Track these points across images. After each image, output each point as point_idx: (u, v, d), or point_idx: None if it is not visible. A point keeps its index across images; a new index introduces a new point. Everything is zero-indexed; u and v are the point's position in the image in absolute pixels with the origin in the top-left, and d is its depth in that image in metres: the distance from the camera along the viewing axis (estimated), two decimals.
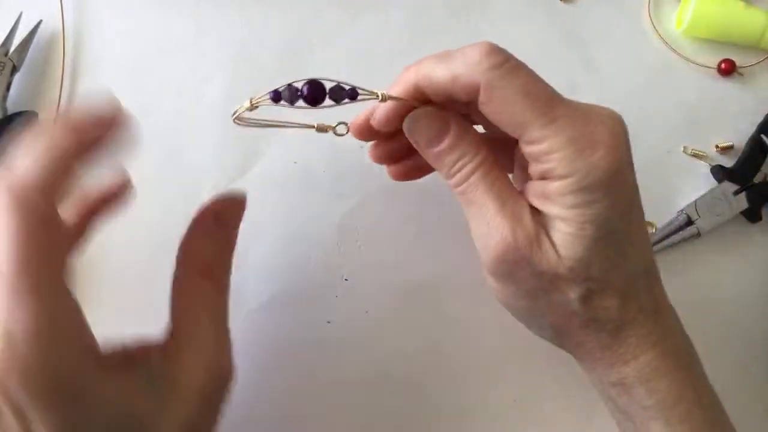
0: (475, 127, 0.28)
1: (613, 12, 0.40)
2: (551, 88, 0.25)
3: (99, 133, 0.23)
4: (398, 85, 0.27)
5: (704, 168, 0.37)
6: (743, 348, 0.34)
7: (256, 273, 0.35)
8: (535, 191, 0.25)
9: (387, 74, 0.38)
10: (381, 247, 0.35)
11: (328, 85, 0.25)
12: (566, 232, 0.24)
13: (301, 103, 0.25)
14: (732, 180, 0.36)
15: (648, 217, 0.36)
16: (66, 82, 0.38)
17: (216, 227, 0.26)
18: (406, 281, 0.35)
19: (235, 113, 0.25)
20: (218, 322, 0.25)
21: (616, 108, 0.39)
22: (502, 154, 0.28)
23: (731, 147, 0.37)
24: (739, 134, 0.37)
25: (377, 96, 0.26)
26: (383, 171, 0.37)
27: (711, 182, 0.36)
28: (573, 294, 0.25)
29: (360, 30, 0.40)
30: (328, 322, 0.34)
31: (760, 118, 0.37)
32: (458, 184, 0.26)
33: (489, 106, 0.24)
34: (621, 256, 0.25)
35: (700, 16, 0.38)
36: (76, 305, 0.21)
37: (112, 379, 0.22)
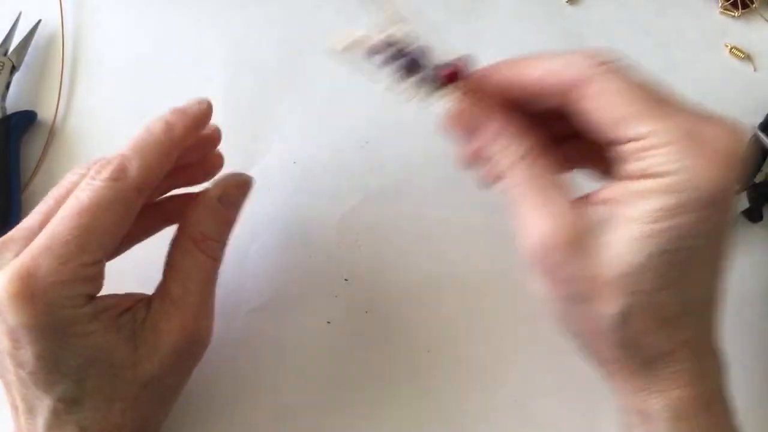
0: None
1: (614, 12, 0.40)
2: (664, 90, 0.23)
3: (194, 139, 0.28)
4: (487, 80, 0.25)
5: None
6: (744, 347, 0.34)
7: (256, 273, 0.35)
8: (605, 192, 0.23)
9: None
10: (381, 247, 0.35)
11: (427, 65, 0.25)
12: (632, 236, 0.22)
13: (396, 66, 0.25)
14: None
15: None
16: (65, 82, 0.38)
17: (218, 203, 0.28)
18: (406, 281, 0.35)
19: (334, 42, 0.25)
20: (204, 289, 0.28)
21: None
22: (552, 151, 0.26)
23: None
24: None
25: (460, 91, 0.25)
26: (383, 171, 0.37)
27: None
28: (612, 308, 0.22)
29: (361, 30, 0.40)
30: (328, 322, 0.34)
31: (760, 118, 0.37)
32: (499, 178, 0.25)
33: (586, 101, 0.23)
34: (685, 278, 0.22)
35: None
36: (97, 259, 0.25)
37: (99, 324, 0.24)
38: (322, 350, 0.34)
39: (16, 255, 0.24)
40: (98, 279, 0.25)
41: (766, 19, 0.40)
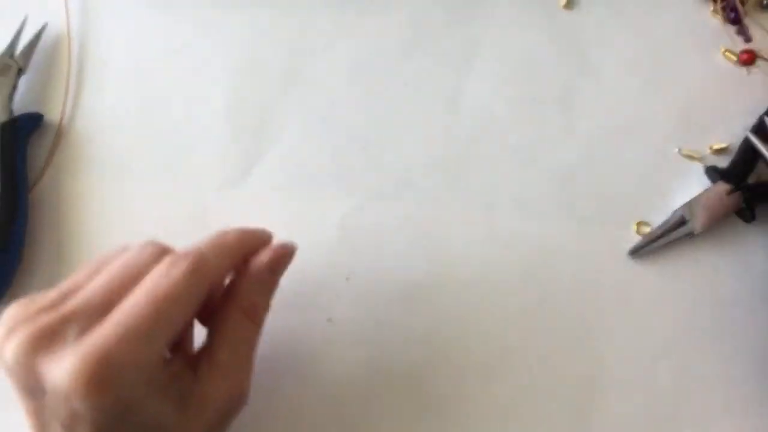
0: None
1: (609, 16, 0.40)
2: None
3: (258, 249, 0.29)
4: None
5: (698, 168, 0.37)
6: (738, 348, 0.34)
7: None
8: None
9: (388, 77, 0.39)
10: (381, 247, 0.36)
11: None
12: None
13: None
14: (726, 180, 0.36)
15: (643, 218, 0.36)
16: (71, 85, 0.39)
17: (269, 275, 0.29)
18: (406, 281, 0.35)
19: None
20: (250, 354, 0.28)
21: (612, 110, 0.39)
22: None
23: (726, 148, 0.37)
24: (734, 136, 0.38)
25: None
26: (383, 171, 0.37)
27: (705, 183, 0.37)
28: None
29: (361, 33, 0.40)
30: (329, 321, 0.34)
31: (753, 121, 0.37)
32: None
33: None
34: None
35: None
36: (166, 345, 0.25)
37: (154, 397, 0.25)
38: (322, 350, 0.34)
39: (81, 331, 0.23)
40: (162, 362, 0.26)
41: (757, 22, 0.40)
